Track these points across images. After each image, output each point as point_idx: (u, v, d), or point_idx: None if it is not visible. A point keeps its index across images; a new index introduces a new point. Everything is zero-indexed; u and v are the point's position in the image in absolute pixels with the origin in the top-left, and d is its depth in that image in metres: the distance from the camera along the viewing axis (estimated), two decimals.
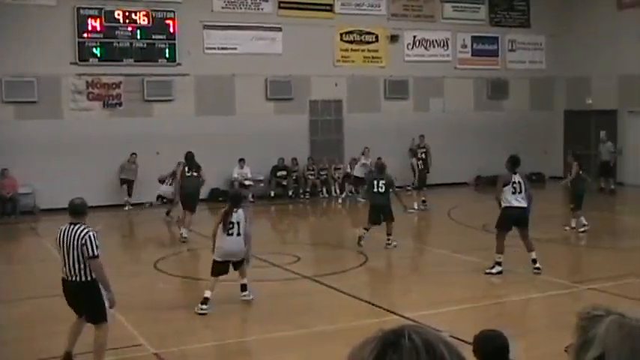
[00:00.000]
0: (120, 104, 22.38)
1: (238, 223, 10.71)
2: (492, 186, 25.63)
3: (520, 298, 11.57)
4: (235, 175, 23.32)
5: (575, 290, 11.83)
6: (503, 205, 12.68)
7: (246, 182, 23.27)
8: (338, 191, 24.59)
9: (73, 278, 7.99)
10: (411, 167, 23.12)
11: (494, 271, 12.74)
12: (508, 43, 28.49)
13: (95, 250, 7.89)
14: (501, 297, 11.69)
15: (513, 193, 12.55)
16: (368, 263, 14.15)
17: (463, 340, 5.57)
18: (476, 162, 26.54)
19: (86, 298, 8.06)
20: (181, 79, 23.02)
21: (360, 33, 25.69)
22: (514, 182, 12.55)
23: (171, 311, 10.91)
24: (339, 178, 24.80)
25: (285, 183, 24.00)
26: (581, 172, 16.96)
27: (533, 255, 12.78)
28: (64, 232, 8.03)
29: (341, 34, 25.35)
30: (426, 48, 26.92)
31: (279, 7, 24.27)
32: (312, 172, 24.48)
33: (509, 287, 12.48)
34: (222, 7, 23.54)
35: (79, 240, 7.89)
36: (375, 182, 15.44)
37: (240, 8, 23.75)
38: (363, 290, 11.90)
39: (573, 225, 17.19)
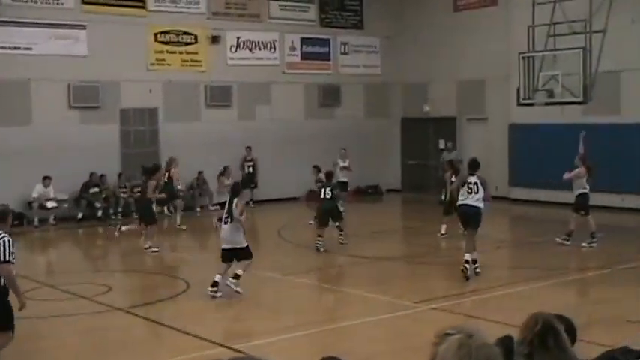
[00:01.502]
0: None
1: (232, 212, 13.02)
2: None
3: (359, 321, 11.79)
4: (35, 195, 22.38)
5: (417, 311, 12.21)
6: (459, 203, 14.61)
7: (49, 204, 22.40)
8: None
9: None
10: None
11: (463, 266, 14.23)
12: (340, 45, 29.20)
13: (7, 255, 8.56)
14: (339, 321, 11.88)
15: (469, 193, 14.32)
16: (190, 290, 13.98)
17: None
18: (307, 175, 26.90)
19: None
20: None
21: (177, 33, 25.46)
22: (470, 183, 14.36)
23: None
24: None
25: (98, 205, 23.28)
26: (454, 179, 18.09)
27: (474, 255, 14.37)
28: None
29: (155, 35, 25.01)
30: (251, 50, 27.08)
31: (83, 2, 23.60)
32: (125, 190, 23.94)
33: (348, 310, 12.72)
34: (14, 0, 22.59)
35: None
36: (323, 190, 18.18)
37: (36, 2, 22.88)
38: (185, 320, 11.72)
39: (443, 231, 18.96)
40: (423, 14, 28.86)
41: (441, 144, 28.72)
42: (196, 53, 25.89)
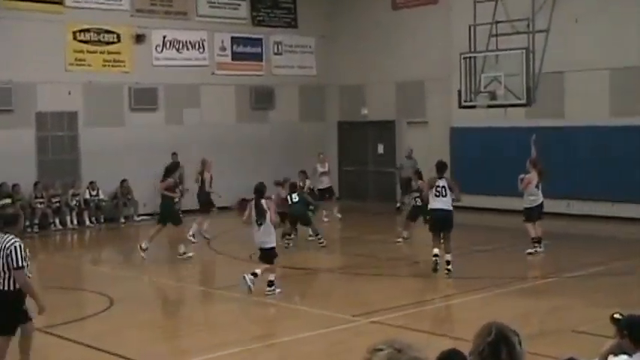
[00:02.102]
0: None
1: (262, 214, 13.87)
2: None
3: (295, 336, 11.76)
4: None
5: (356, 325, 12.24)
6: (429, 207, 15.92)
7: None
8: (76, 221, 23.88)
9: None
10: None
11: (433, 259, 15.63)
12: (273, 45, 29.20)
13: (20, 261, 8.98)
14: (274, 337, 11.86)
15: (437, 196, 15.54)
16: (113, 307, 13.79)
17: None
18: (239, 182, 26.81)
19: (7, 308, 9.16)
20: None
21: (98, 31, 25.15)
22: (438, 186, 15.54)
23: None
24: (76, 205, 24.03)
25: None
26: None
27: (448, 257, 15.47)
28: None
29: (74, 33, 24.65)
30: (178, 50, 26.91)
31: None
32: (42, 200, 23.54)
33: (283, 325, 12.70)
34: None
35: (4, 250, 9.01)
36: (289, 196, 19.35)
37: None
38: (108, 340, 11.56)
39: (406, 235, 19.75)
40: (360, 12, 29.02)
41: (380, 149, 28.93)
42: (119, 53, 25.61)
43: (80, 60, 24.81)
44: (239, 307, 13.89)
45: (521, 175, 17.97)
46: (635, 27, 22.18)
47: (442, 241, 15.67)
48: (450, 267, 15.49)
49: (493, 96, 21.16)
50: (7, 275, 9.03)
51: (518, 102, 20.82)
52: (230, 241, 20.74)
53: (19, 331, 9.40)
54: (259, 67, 28.83)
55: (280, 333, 12.14)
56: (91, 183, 24.42)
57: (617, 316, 6.14)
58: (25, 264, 9.04)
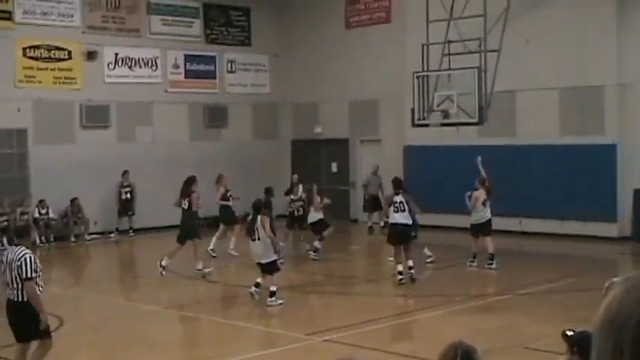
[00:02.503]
0: None
1: (258, 229, 14.34)
2: (215, 228, 26.21)
3: (245, 356, 11.67)
4: None
5: (309, 343, 12.17)
6: (389, 222, 16.80)
7: None
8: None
9: (13, 298, 9.62)
10: None
11: (399, 277, 16.16)
12: (227, 63, 29.12)
13: (30, 272, 9.44)
14: (227, 356, 11.73)
15: (395, 212, 16.38)
16: (63, 327, 13.57)
17: None
18: None
19: (22, 318, 9.63)
20: None
21: (49, 48, 24.90)
22: (395, 202, 16.43)
23: None
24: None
25: None
26: None
27: (410, 263, 16.39)
28: (8, 253, 9.76)
29: (24, 49, 24.37)
30: (130, 68, 26.71)
31: None
32: None
33: (233, 345, 12.58)
34: None
35: (16, 262, 9.49)
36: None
37: None
38: None
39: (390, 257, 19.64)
40: (314, 31, 29.06)
41: (334, 167, 28.93)
42: (70, 70, 25.35)
43: (30, 77, 24.51)
44: (190, 327, 13.75)
45: (468, 193, 18.35)
46: (582, 48, 22.47)
47: (404, 251, 16.42)
48: (412, 271, 16.31)
49: (446, 114, 21.27)
50: (20, 286, 9.50)
51: (471, 120, 20.97)
52: (181, 261, 20.54)
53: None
54: (213, 85, 28.73)
55: (229, 353, 12.00)
56: (41, 201, 24.05)
57: (568, 332, 6.14)
58: (34, 275, 9.45)
